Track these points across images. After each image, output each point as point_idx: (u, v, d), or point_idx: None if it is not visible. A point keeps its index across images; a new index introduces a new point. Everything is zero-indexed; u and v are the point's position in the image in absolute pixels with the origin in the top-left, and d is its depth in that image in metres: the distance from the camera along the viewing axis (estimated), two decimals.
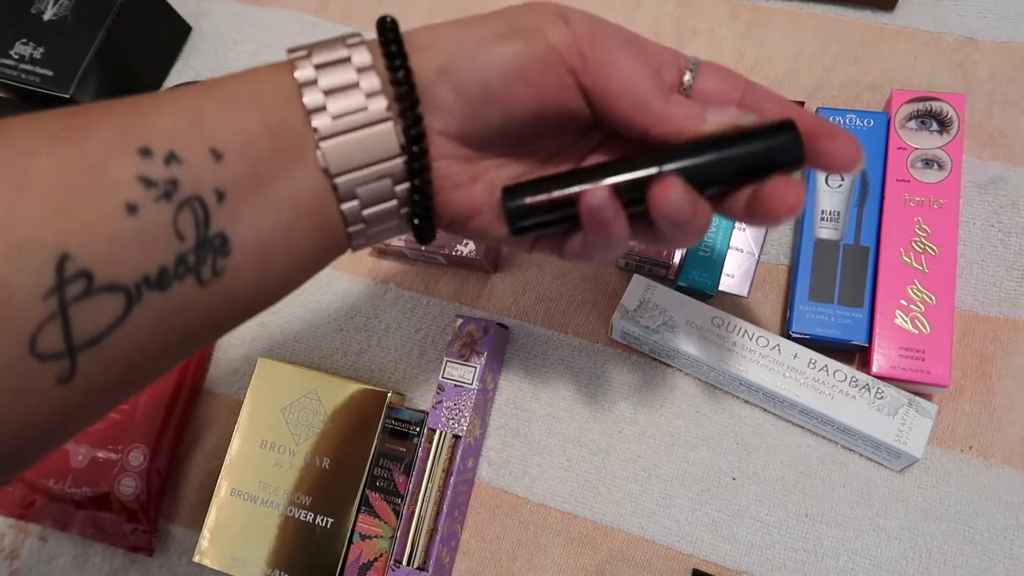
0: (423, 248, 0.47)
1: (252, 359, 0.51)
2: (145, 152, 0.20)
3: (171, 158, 0.21)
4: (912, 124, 0.44)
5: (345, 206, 0.25)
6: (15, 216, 0.18)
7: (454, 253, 0.47)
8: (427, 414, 0.45)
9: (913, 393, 0.41)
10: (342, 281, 0.52)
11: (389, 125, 0.25)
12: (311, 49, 0.25)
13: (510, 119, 0.27)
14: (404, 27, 0.26)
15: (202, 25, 0.61)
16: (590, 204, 0.26)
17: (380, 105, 0.25)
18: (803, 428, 0.43)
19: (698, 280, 0.45)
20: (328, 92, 0.24)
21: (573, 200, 0.27)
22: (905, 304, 0.41)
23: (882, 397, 0.40)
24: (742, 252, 0.45)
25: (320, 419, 0.46)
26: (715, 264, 0.45)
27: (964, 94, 0.45)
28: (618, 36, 0.28)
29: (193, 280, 0.21)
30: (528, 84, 0.26)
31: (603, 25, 0.28)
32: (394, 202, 0.26)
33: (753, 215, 0.27)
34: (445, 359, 0.45)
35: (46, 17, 0.54)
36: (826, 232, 0.44)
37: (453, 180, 0.28)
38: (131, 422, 0.49)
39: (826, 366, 0.41)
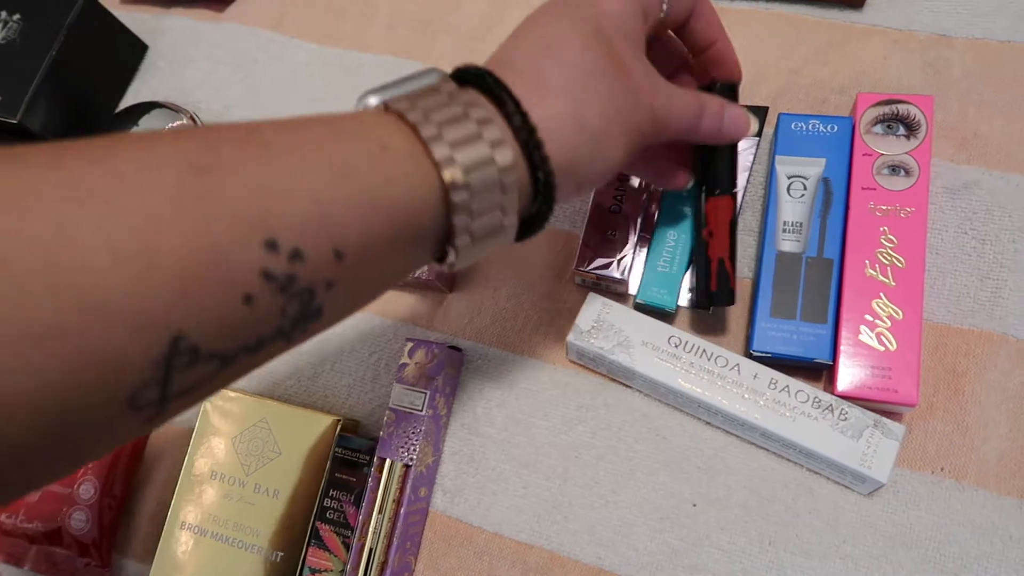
0: None
1: None
2: (271, 245, 0.20)
3: (295, 256, 0.21)
4: (878, 128, 0.42)
5: (459, 241, 0.27)
6: (141, 293, 0.18)
7: (409, 275, 0.45)
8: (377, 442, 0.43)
9: (881, 413, 0.39)
10: None
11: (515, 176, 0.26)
12: (441, 127, 0.25)
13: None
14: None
15: (158, 43, 0.60)
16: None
17: (507, 158, 0.26)
18: (767, 451, 0.41)
19: (656, 297, 0.43)
20: (474, 196, 0.25)
21: None
22: (870, 319, 0.39)
23: (846, 419, 0.38)
24: None
25: (270, 449, 0.45)
26: (674, 280, 0.43)
27: (934, 95, 0.43)
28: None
29: (283, 341, 0.22)
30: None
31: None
32: (502, 237, 0.28)
33: None
34: (395, 385, 0.43)
35: None
36: (788, 244, 0.42)
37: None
38: None
39: (788, 386, 0.39)
